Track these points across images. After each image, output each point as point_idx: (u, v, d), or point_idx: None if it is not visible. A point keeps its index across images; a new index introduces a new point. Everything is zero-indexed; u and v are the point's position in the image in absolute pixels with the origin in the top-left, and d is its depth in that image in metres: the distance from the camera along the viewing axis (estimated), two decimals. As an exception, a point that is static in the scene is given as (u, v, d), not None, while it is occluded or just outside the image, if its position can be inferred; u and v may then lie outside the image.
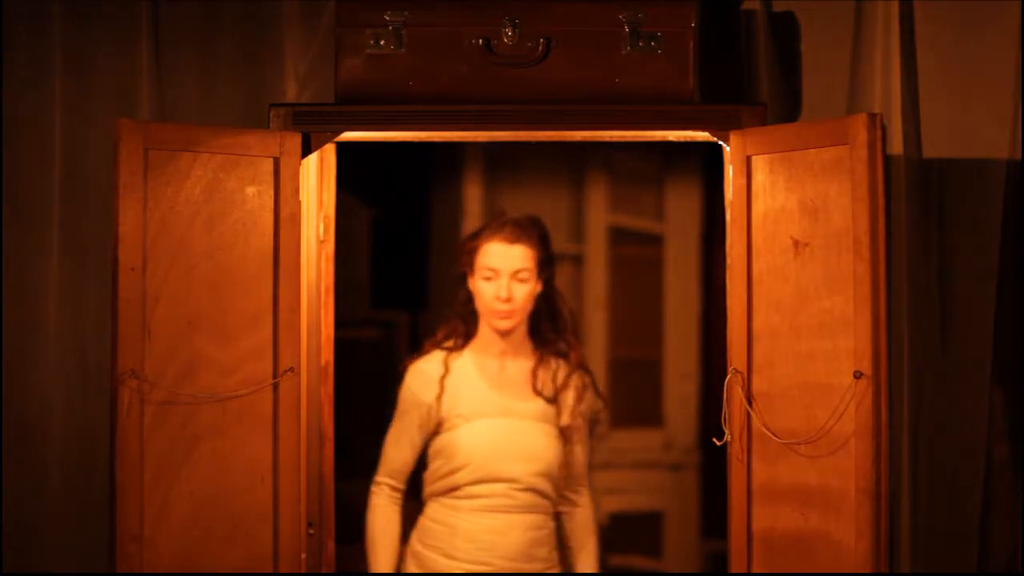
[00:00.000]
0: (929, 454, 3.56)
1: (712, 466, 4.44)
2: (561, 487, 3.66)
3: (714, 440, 3.24)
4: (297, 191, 3.26)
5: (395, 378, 3.70)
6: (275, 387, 3.23)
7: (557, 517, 3.70)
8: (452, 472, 3.60)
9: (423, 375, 3.66)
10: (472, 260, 3.64)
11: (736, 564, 3.22)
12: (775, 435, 3.15)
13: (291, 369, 3.24)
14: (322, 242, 3.56)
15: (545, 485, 3.61)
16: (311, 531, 3.48)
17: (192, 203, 3.18)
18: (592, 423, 3.75)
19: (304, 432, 3.38)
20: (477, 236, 3.67)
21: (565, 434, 3.66)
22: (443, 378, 3.63)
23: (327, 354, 3.58)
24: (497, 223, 3.65)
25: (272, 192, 3.24)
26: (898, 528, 3.50)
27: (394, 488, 3.67)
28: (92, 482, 3.58)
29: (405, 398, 3.66)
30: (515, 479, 3.58)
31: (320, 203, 3.56)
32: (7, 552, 3.62)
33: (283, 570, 3.22)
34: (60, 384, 3.64)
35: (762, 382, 3.19)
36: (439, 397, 3.62)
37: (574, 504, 3.72)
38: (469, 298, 3.66)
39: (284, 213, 3.24)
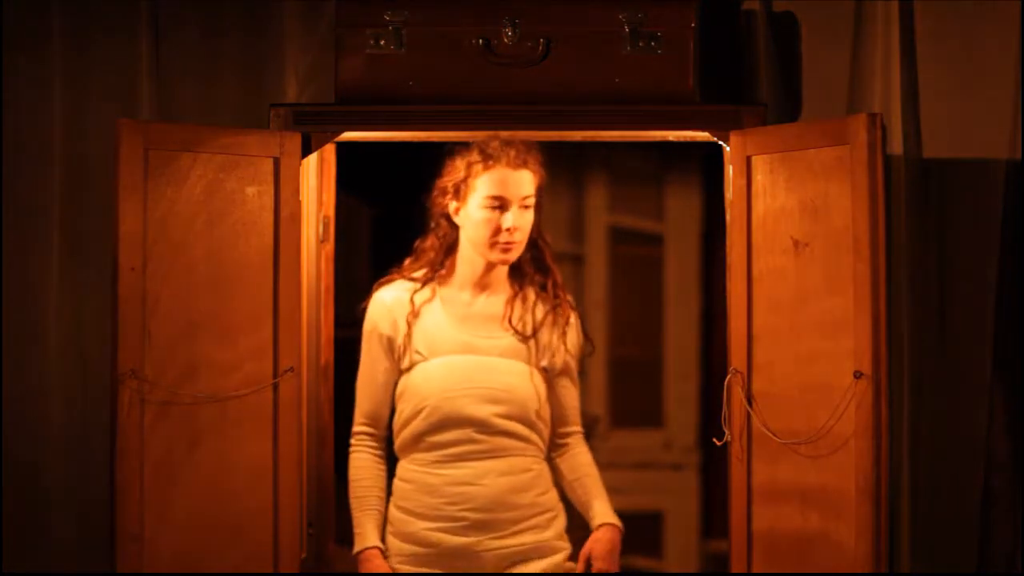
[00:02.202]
0: (929, 454, 3.56)
1: (712, 466, 4.43)
2: (546, 429, 3.39)
3: (714, 440, 3.24)
4: (297, 191, 3.26)
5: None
6: (275, 387, 3.23)
7: (550, 461, 3.43)
8: (412, 418, 3.33)
9: (381, 305, 3.39)
10: (466, 189, 3.33)
11: (736, 564, 3.22)
12: (775, 435, 3.15)
13: (291, 369, 3.24)
14: (322, 242, 3.56)
15: (520, 428, 3.32)
16: (311, 531, 3.48)
17: (192, 203, 3.18)
18: (580, 363, 3.47)
19: (304, 432, 3.38)
20: (471, 162, 3.33)
21: (549, 373, 3.39)
22: (405, 311, 3.36)
23: (327, 354, 3.59)
24: (496, 145, 3.33)
25: (272, 192, 3.24)
26: (898, 528, 3.50)
27: (372, 435, 3.38)
28: (92, 482, 3.58)
29: (365, 329, 3.40)
30: (480, 422, 3.30)
31: (320, 203, 3.57)
32: (7, 552, 3.62)
33: (283, 570, 3.22)
34: (60, 384, 3.64)
35: (762, 382, 3.19)
36: (398, 329, 3.35)
37: (566, 447, 3.45)
38: (450, 229, 3.38)
39: (284, 213, 3.24)
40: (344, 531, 3.60)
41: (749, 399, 3.20)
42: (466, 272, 3.40)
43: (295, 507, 3.26)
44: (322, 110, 3.38)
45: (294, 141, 3.25)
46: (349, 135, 3.37)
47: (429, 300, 3.39)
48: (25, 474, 3.63)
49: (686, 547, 4.61)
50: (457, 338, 3.36)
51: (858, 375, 3.02)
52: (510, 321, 3.39)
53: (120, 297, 3.11)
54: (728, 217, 3.27)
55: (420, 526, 3.33)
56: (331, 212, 3.60)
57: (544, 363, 3.40)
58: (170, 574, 3.14)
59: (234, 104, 3.66)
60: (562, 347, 3.42)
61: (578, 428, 3.48)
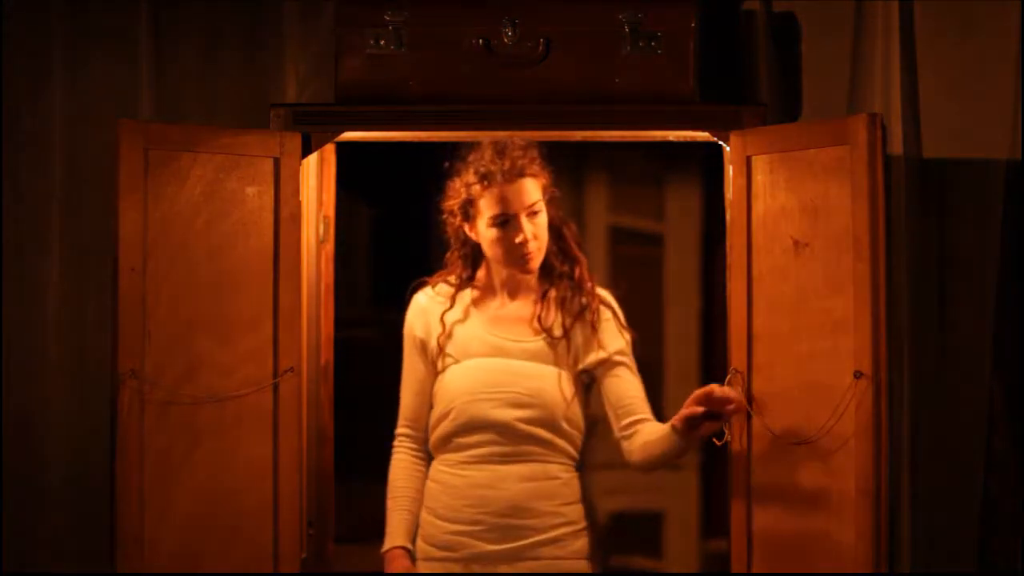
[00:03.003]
0: (929, 454, 3.56)
1: (712, 466, 4.43)
2: (578, 435, 3.30)
3: (714, 440, 3.24)
4: (297, 191, 3.26)
5: (396, 378, 3.68)
6: (275, 387, 3.23)
7: (625, 452, 3.29)
8: (441, 419, 3.30)
9: (416, 308, 3.38)
10: (473, 210, 3.30)
11: (736, 564, 3.22)
12: (775, 435, 3.15)
13: (291, 369, 3.24)
14: (322, 242, 3.57)
15: (545, 433, 3.25)
16: (311, 531, 3.48)
17: (192, 203, 3.18)
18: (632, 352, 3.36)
19: (304, 432, 3.38)
20: (468, 184, 3.29)
21: (587, 374, 3.32)
22: (439, 313, 3.34)
23: (327, 354, 3.59)
24: (488, 159, 3.27)
25: (272, 192, 3.24)
26: (898, 528, 3.50)
27: (413, 438, 3.35)
28: (92, 482, 3.58)
29: (404, 332, 3.38)
30: (504, 426, 3.25)
31: (320, 203, 3.57)
32: (7, 552, 3.62)
33: (283, 570, 3.22)
34: (60, 384, 3.64)
35: (762, 382, 3.19)
36: (431, 332, 3.33)
37: (635, 433, 3.28)
38: (469, 244, 3.36)
39: (284, 213, 3.24)
40: (344, 531, 3.60)
41: (749, 399, 3.20)
42: (493, 278, 3.37)
43: (295, 507, 3.26)
44: (322, 110, 3.38)
45: (294, 141, 3.25)
46: (349, 135, 3.37)
47: (461, 320, 3.35)
48: (25, 474, 3.63)
49: (686, 547, 4.60)
50: (487, 341, 3.32)
51: (858, 375, 3.02)
52: (540, 322, 3.34)
53: (120, 297, 3.11)
54: (728, 217, 3.27)
55: (442, 528, 3.27)
56: (331, 212, 3.60)
57: (580, 365, 3.34)
58: (170, 574, 3.14)
59: (234, 104, 3.66)
60: (595, 344, 3.34)
61: (647, 416, 3.30)
